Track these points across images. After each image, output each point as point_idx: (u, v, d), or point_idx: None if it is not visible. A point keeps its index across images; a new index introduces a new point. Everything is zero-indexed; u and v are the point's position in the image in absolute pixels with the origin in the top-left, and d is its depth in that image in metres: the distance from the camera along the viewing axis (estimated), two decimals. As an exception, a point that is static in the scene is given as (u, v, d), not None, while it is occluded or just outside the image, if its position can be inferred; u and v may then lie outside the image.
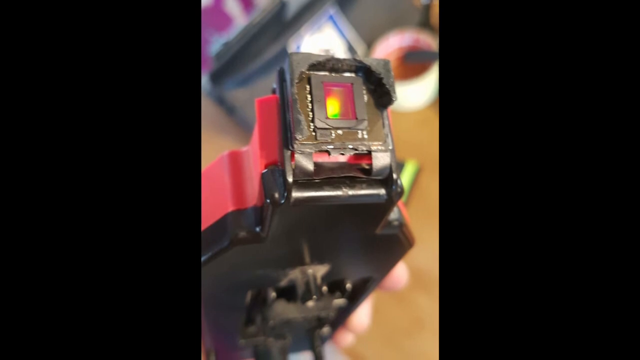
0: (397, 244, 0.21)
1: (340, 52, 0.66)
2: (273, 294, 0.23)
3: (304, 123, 0.15)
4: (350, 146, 0.16)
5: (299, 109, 0.15)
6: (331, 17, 0.65)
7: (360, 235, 0.20)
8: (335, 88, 0.16)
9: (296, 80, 0.15)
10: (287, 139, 0.16)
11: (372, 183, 0.17)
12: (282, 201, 0.16)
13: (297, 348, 0.30)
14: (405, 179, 0.57)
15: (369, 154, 0.16)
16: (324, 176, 0.16)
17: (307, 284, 0.21)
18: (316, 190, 0.16)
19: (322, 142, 0.15)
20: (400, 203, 0.20)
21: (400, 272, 0.27)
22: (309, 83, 0.16)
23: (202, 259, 0.18)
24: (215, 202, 0.19)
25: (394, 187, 0.17)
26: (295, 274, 0.21)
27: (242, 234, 0.18)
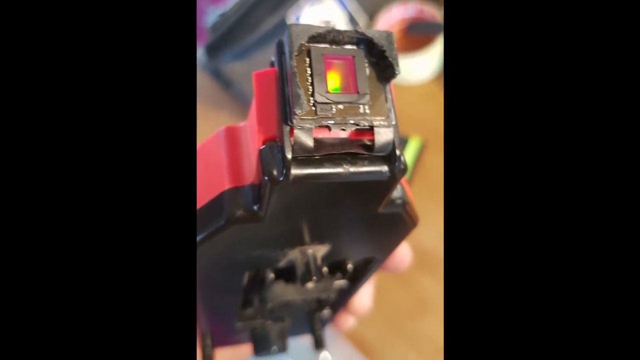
0: (400, 223, 0.21)
1: (341, 23, 0.65)
2: (271, 275, 0.23)
3: (303, 97, 0.15)
4: (352, 121, 0.16)
5: (299, 83, 0.15)
6: (332, -12, 0.64)
7: (362, 214, 0.19)
8: (336, 61, 0.16)
9: (295, 53, 0.15)
10: (286, 114, 0.15)
11: (374, 160, 0.16)
12: (281, 178, 0.15)
13: (297, 331, 0.30)
14: (408, 155, 0.57)
15: (371, 129, 0.16)
16: (325, 153, 0.16)
17: (306, 264, 0.21)
18: (316, 167, 0.16)
19: (322, 117, 0.15)
20: (403, 180, 0.20)
21: (403, 253, 0.27)
22: (309, 56, 0.16)
23: (198, 238, 0.18)
24: (212, 179, 0.19)
25: (396, 163, 0.16)
26: (294, 254, 0.21)
27: (240, 212, 0.17)
